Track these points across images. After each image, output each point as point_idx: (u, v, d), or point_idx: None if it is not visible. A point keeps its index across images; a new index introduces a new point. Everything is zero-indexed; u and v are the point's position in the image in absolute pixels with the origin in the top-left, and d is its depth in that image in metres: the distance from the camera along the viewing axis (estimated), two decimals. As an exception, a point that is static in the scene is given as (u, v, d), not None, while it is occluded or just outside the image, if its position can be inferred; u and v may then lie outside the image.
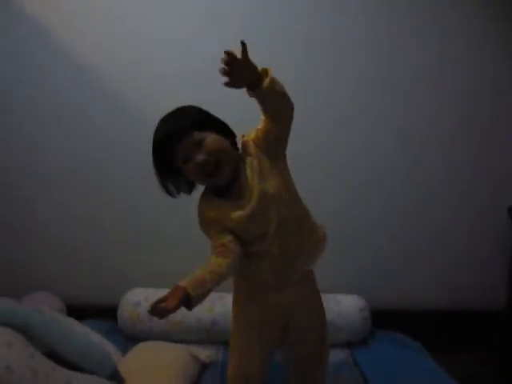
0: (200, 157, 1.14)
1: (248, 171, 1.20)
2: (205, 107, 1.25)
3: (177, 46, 2.05)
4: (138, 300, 1.97)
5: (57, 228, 2.14)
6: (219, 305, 1.96)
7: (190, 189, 1.28)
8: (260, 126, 1.21)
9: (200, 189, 1.30)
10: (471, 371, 1.87)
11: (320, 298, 1.41)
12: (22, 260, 2.14)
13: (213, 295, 1.99)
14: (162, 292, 2.04)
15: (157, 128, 1.20)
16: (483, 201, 2.21)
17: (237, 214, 1.19)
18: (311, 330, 1.38)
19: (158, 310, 1.03)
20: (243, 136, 1.25)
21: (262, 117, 1.20)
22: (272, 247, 1.22)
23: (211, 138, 1.16)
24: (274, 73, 1.14)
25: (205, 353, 1.76)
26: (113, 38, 2.03)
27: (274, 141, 1.21)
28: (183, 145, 1.14)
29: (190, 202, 2.10)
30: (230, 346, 1.38)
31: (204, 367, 1.74)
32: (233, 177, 1.21)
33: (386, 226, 2.20)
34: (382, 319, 2.09)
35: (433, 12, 2.10)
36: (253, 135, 1.23)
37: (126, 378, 1.47)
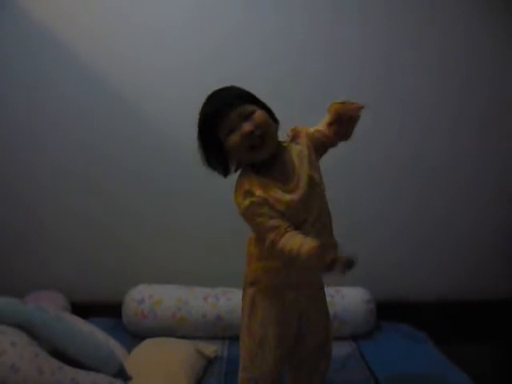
0: (247, 126, 1.15)
1: (295, 158, 1.23)
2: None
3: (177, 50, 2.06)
4: (142, 297, 1.96)
5: (60, 226, 2.14)
6: (224, 300, 1.96)
7: (224, 172, 1.27)
8: (320, 128, 1.28)
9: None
10: (477, 361, 1.86)
11: (323, 286, 1.41)
12: (26, 258, 2.14)
13: (217, 290, 2.02)
14: (167, 288, 2.07)
15: (205, 102, 1.21)
16: (486, 189, 2.20)
17: (288, 196, 1.19)
18: (320, 319, 1.37)
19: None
20: (295, 127, 1.29)
21: (326, 125, 1.28)
22: (299, 221, 1.20)
23: (260, 112, 1.18)
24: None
25: (210, 348, 1.76)
26: (113, 35, 2.03)
27: (323, 147, 1.30)
28: (231, 116, 1.15)
29: (192, 199, 2.12)
30: (241, 345, 1.33)
31: (209, 362, 1.73)
32: (272, 159, 1.22)
33: (389, 218, 2.19)
34: (387, 311, 2.08)
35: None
36: (307, 130, 1.28)
37: (132, 375, 1.47)
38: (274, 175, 1.21)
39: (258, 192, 1.18)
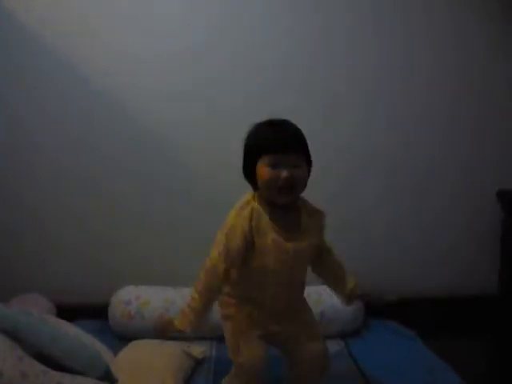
0: (286, 174, 1.22)
1: (305, 219, 1.32)
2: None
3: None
4: (129, 298, 1.94)
5: (46, 226, 2.11)
6: (211, 300, 1.94)
7: (253, 185, 1.34)
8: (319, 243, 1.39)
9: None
10: (466, 357, 1.87)
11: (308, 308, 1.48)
12: (10, 261, 2.10)
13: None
14: (153, 290, 2.05)
15: (269, 123, 1.29)
16: (474, 188, 2.22)
17: (293, 243, 1.27)
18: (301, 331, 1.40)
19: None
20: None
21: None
22: (270, 281, 1.30)
23: (303, 172, 1.27)
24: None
25: (198, 349, 1.75)
26: (113, 33, 2.02)
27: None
28: (286, 156, 1.23)
29: (181, 200, 2.11)
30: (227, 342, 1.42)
31: (197, 363, 1.72)
32: (288, 207, 1.30)
33: (378, 216, 2.20)
34: (375, 309, 2.09)
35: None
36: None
37: (119, 378, 1.45)
38: (280, 218, 1.28)
39: (261, 219, 1.26)
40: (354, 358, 1.80)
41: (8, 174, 2.08)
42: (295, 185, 1.25)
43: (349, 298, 1.42)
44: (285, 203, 1.28)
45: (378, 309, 2.06)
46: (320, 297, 1.97)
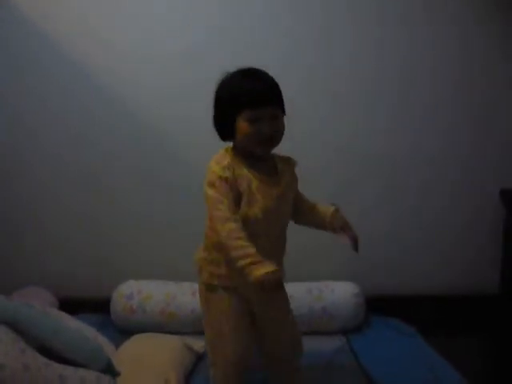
0: (268, 129, 1.21)
1: (280, 165, 1.32)
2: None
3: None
4: (130, 292, 1.95)
5: (48, 221, 2.12)
6: (213, 295, 1.95)
7: (223, 136, 1.31)
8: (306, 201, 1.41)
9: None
10: (466, 355, 1.87)
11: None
12: (13, 254, 2.12)
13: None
14: (156, 284, 2.06)
15: (243, 76, 1.26)
16: (476, 188, 2.22)
17: (275, 189, 1.27)
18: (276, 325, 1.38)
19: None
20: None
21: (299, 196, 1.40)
22: (259, 233, 1.24)
23: (282, 124, 1.26)
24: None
25: (199, 343, 1.75)
26: (113, 30, 2.03)
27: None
28: (264, 109, 1.20)
29: (182, 194, 2.11)
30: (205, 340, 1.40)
31: (198, 358, 1.72)
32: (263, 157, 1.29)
33: (379, 213, 2.19)
34: (377, 305, 2.09)
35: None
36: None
37: (120, 371, 1.45)
38: (258, 167, 1.27)
39: (239, 170, 1.23)
40: (355, 353, 1.80)
41: (9, 170, 2.09)
42: (275, 137, 1.24)
43: (334, 226, 1.36)
44: (266, 154, 1.29)
45: (379, 306, 2.08)
46: (321, 293, 1.97)
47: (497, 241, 2.23)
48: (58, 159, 2.09)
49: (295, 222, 1.42)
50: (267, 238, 1.27)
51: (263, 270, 1.11)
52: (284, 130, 1.27)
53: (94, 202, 2.12)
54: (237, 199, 1.23)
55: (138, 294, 1.94)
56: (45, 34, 2.00)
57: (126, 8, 2.02)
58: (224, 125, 1.27)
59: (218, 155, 1.29)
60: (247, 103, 1.20)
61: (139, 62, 2.04)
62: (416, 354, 1.79)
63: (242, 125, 1.21)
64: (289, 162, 1.36)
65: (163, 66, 2.05)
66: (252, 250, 1.14)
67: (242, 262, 1.14)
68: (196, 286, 1.96)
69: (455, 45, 2.13)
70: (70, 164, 2.09)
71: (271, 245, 1.28)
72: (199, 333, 1.88)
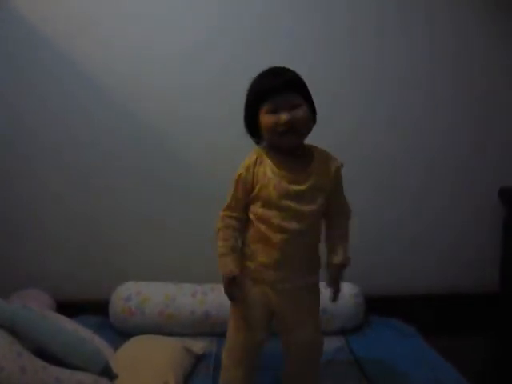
0: (286, 116, 1.21)
1: (315, 165, 1.30)
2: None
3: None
4: (129, 294, 1.94)
5: (47, 221, 2.11)
6: (212, 296, 1.94)
7: (256, 139, 1.35)
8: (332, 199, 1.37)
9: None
10: (466, 354, 1.87)
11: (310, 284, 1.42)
12: (10, 256, 2.11)
13: (205, 287, 2.00)
14: (154, 285, 2.06)
15: (263, 75, 1.28)
16: (474, 184, 2.21)
17: (296, 187, 1.26)
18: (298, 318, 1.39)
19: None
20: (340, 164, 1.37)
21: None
22: (274, 229, 1.27)
23: (304, 109, 1.24)
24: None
25: (198, 345, 1.75)
26: (113, 30, 2.02)
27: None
28: (279, 99, 1.21)
29: (180, 196, 2.11)
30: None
31: (197, 359, 1.72)
32: (298, 154, 1.29)
33: (378, 213, 2.19)
34: (376, 305, 2.09)
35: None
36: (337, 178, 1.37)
37: (118, 373, 1.45)
38: (286, 164, 1.28)
39: (265, 167, 1.27)
40: (354, 354, 1.80)
41: (9, 171, 2.08)
42: (296, 125, 1.23)
43: (330, 276, 1.39)
44: (291, 146, 1.28)
45: (378, 306, 2.07)
46: (320, 293, 1.96)
47: (496, 240, 2.22)
48: (58, 159, 2.08)
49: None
50: (282, 235, 1.28)
51: (220, 266, 1.30)
52: (308, 119, 1.26)
53: (93, 202, 2.11)
54: (249, 192, 1.30)
55: (136, 295, 1.94)
56: (44, 34, 1.99)
57: (125, 8, 2.02)
58: (251, 124, 1.31)
59: (252, 152, 1.33)
60: (265, 96, 1.23)
61: (139, 62, 2.04)
62: (416, 354, 1.78)
63: (264, 118, 1.24)
64: (328, 162, 1.34)
65: (163, 66, 2.05)
66: (231, 243, 1.30)
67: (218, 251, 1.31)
68: (195, 287, 1.98)
69: (454, 44, 2.13)
70: (69, 165, 2.08)
71: (289, 245, 1.29)
72: (198, 334, 1.90)
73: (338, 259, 1.36)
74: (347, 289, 2.00)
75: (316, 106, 2.08)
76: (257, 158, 1.29)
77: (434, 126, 2.17)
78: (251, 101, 1.29)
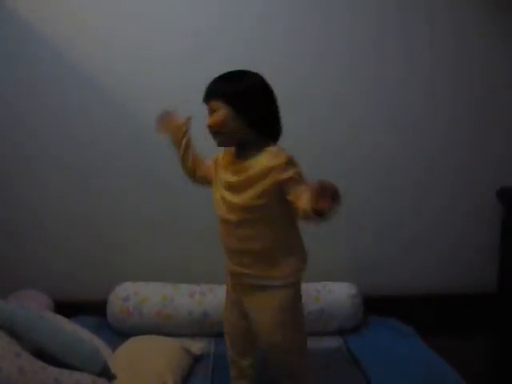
0: (207, 121, 1.32)
1: (259, 160, 1.28)
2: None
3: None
4: (127, 294, 1.94)
5: (44, 222, 2.11)
6: (210, 297, 1.94)
7: None
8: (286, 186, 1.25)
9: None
10: (464, 354, 1.87)
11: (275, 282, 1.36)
12: (7, 257, 2.10)
13: (203, 287, 2.00)
14: (152, 285, 2.05)
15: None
16: (473, 183, 2.21)
17: (233, 178, 1.32)
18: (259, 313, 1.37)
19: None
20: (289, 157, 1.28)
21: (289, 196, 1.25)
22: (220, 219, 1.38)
23: (220, 113, 1.29)
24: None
25: (196, 345, 1.75)
26: (113, 30, 2.02)
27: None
28: (208, 105, 1.33)
29: (180, 196, 2.10)
30: None
31: (196, 360, 1.72)
32: (241, 150, 1.34)
33: (376, 213, 2.19)
34: (374, 306, 2.09)
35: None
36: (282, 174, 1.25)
37: (117, 374, 1.44)
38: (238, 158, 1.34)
39: (219, 157, 1.41)
40: (352, 354, 1.80)
41: (9, 171, 2.08)
42: (215, 128, 1.31)
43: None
44: (222, 146, 1.38)
45: (376, 306, 2.07)
46: (319, 294, 1.97)
47: (495, 240, 2.22)
48: (58, 159, 2.08)
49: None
50: (225, 224, 1.37)
51: None
52: (225, 120, 1.28)
53: (92, 202, 2.11)
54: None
55: (134, 295, 1.93)
56: (44, 34, 1.99)
57: (125, 8, 2.01)
58: None
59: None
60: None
61: (139, 62, 2.04)
62: (414, 354, 1.78)
63: None
64: (271, 157, 1.27)
65: (163, 66, 2.05)
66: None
67: None
68: (193, 287, 1.98)
69: (454, 44, 2.13)
70: (69, 166, 2.08)
71: (230, 233, 1.36)
72: (197, 335, 1.90)
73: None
74: (345, 289, 2.01)
75: (316, 106, 2.09)
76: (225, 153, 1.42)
77: (434, 126, 2.17)
78: None
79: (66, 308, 1.88)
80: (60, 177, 2.09)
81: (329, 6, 2.06)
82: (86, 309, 2.01)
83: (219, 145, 1.36)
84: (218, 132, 1.32)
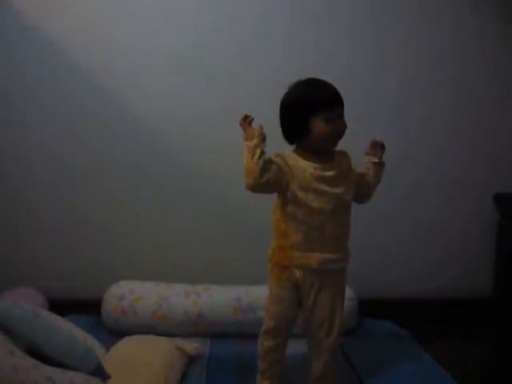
0: (341, 126, 1.40)
1: (337, 157, 1.46)
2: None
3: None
4: (122, 293, 1.93)
5: (38, 220, 2.10)
6: (205, 297, 1.94)
7: (290, 140, 1.45)
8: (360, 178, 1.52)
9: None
10: (459, 358, 1.87)
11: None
12: (2, 254, 2.09)
13: (198, 287, 1.99)
14: (147, 285, 2.05)
15: (314, 83, 1.42)
16: (469, 188, 2.22)
17: (328, 173, 1.40)
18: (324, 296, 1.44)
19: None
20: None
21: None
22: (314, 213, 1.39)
23: (344, 119, 1.42)
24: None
25: (191, 345, 1.74)
26: (110, 27, 2.03)
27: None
28: (335, 109, 1.37)
29: (175, 196, 2.10)
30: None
31: (190, 360, 1.71)
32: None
33: (373, 216, 2.19)
34: (370, 308, 2.08)
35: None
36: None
37: (110, 373, 1.43)
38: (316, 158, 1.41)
39: (286, 158, 1.40)
40: (347, 356, 1.79)
41: (5, 168, 2.07)
42: (343, 133, 1.42)
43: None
44: (331, 151, 1.45)
45: (371, 308, 2.07)
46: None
47: (490, 245, 2.23)
48: (54, 157, 2.08)
49: (361, 203, 1.59)
50: (320, 216, 1.39)
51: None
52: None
53: (87, 202, 2.10)
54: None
55: (129, 294, 1.92)
56: (43, 33, 1.99)
57: (123, 7, 2.02)
58: (296, 128, 1.40)
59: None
60: (323, 105, 1.35)
61: (139, 61, 2.04)
62: (409, 357, 1.78)
63: (319, 125, 1.36)
64: (345, 155, 1.50)
65: (160, 65, 2.05)
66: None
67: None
68: (188, 287, 1.98)
69: (454, 45, 2.14)
70: (65, 165, 2.08)
71: (324, 223, 1.40)
72: (191, 335, 1.89)
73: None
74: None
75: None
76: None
77: (432, 130, 2.18)
78: (305, 106, 1.37)
79: (61, 306, 1.86)
80: (56, 175, 2.08)
81: (327, 7, 2.07)
82: (81, 307, 1.99)
83: (335, 147, 1.44)
84: (343, 136, 1.41)
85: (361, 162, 1.55)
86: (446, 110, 2.17)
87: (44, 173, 2.08)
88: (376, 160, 1.54)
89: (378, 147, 1.55)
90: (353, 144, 2.10)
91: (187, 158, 2.10)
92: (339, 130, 1.40)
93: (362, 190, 1.54)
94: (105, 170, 2.09)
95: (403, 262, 2.23)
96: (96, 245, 2.13)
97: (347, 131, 2.13)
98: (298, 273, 1.42)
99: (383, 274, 2.21)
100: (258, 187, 1.36)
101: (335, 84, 2.05)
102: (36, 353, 1.31)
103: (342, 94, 1.95)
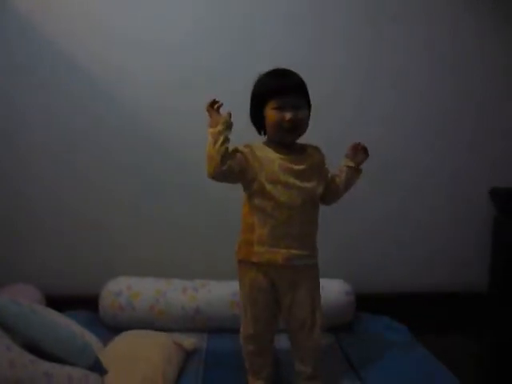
0: (290, 116, 1.34)
1: (309, 151, 1.45)
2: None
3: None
4: (119, 289, 1.93)
5: (36, 217, 2.10)
6: (203, 292, 1.94)
7: (258, 130, 1.46)
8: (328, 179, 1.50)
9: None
10: (457, 354, 1.88)
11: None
12: (1, 250, 2.09)
13: (196, 283, 2.00)
14: (145, 280, 2.05)
15: (271, 73, 1.41)
16: (465, 183, 2.22)
17: (297, 166, 1.38)
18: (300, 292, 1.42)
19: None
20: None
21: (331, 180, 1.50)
22: (279, 205, 1.37)
23: (305, 113, 1.39)
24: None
25: (188, 341, 1.74)
26: (106, 23, 2.03)
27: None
28: (290, 97, 1.35)
29: (172, 191, 2.10)
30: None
31: (188, 355, 1.71)
32: (293, 147, 1.43)
33: (369, 211, 2.20)
34: (367, 303, 2.09)
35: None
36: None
37: (108, 368, 1.44)
38: (285, 151, 1.40)
39: (255, 149, 1.39)
40: (344, 351, 1.80)
41: (4, 166, 2.07)
42: (298, 125, 1.37)
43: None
44: (289, 142, 1.41)
45: (369, 303, 2.08)
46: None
47: (486, 240, 2.24)
48: (53, 155, 2.08)
49: (326, 204, 1.54)
50: (288, 210, 1.37)
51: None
52: (307, 120, 1.40)
53: (84, 199, 2.10)
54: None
55: (127, 290, 1.93)
56: (44, 33, 2.00)
57: (123, 6, 2.02)
58: (256, 118, 1.42)
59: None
60: (272, 93, 1.35)
61: (132, 56, 2.04)
62: (406, 351, 1.78)
63: (269, 113, 1.36)
64: (318, 150, 1.49)
65: (160, 62, 2.05)
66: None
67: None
68: (186, 282, 1.98)
69: (453, 45, 2.15)
70: (63, 163, 2.08)
71: (292, 217, 1.38)
72: (189, 330, 1.89)
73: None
74: (338, 286, 2.01)
75: (315, 105, 2.07)
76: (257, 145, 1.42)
77: (427, 127, 2.18)
78: (258, 96, 1.39)
79: (58, 302, 1.86)
80: (54, 172, 2.08)
81: (325, 7, 2.07)
82: (78, 303, 1.99)
83: (292, 139, 1.41)
84: (296, 129, 1.38)
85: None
86: (440, 106, 2.17)
87: (43, 171, 2.08)
88: (351, 164, 1.51)
89: (358, 151, 1.51)
90: (348, 143, 2.12)
91: (184, 153, 2.09)
92: (291, 120, 1.34)
93: (330, 193, 1.50)
94: (103, 165, 2.09)
95: (400, 258, 2.23)
96: (93, 240, 2.12)
97: (345, 131, 2.16)
98: (267, 270, 1.40)
99: (380, 269, 2.22)
100: (219, 175, 1.32)
101: (333, 84, 2.09)
102: (34, 348, 1.31)
103: (340, 95, 1.98)
